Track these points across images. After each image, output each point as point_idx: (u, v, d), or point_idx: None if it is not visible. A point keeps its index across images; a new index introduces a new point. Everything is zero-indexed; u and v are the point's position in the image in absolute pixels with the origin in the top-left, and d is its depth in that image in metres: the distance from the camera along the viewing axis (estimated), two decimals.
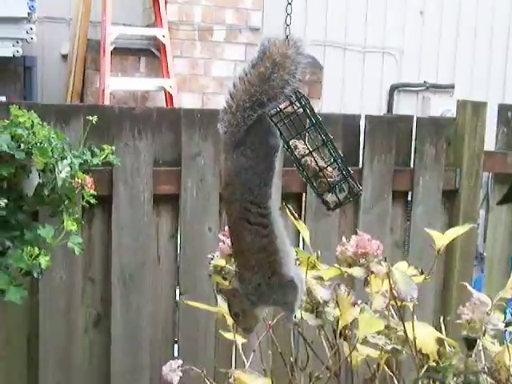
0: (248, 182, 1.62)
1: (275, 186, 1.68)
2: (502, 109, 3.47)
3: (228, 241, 2.08)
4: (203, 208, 2.93)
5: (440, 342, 2.04)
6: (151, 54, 5.95)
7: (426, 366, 2.01)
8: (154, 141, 2.85)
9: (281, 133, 1.70)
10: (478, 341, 2.02)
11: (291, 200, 2.98)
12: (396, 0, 7.00)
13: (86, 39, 5.83)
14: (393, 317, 2.08)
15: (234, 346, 2.21)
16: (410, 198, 3.33)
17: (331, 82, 6.58)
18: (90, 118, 2.60)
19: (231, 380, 2.02)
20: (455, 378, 2.01)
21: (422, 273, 2.14)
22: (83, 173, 2.49)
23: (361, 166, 3.14)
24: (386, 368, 2.12)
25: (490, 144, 3.45)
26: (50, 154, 2.34)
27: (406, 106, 7.01)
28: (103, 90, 5.53)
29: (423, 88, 7.06)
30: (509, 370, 1.98)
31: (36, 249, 2.27)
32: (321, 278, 2.12)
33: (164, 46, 5.78)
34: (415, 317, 2.01)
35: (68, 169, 2.40)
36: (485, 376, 2.00)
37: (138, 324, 2.89)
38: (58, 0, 6.13)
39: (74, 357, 2.83)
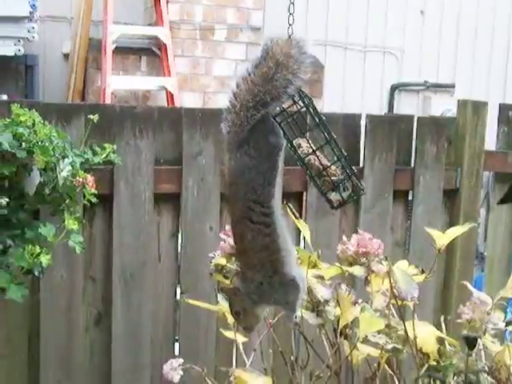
0: (251, 182, 1.63)
1: (278, 186, 1.69)
2: (503, 108, 3.47)
3: (229, 240, 2.08)
4: (204, 207, 2.94)
5: (440, 341, 2.04)
6: (152, 53, 5.95)
7: (426, 365, 2.02)
8: (155, 140, 2.85)
9: (284, 132, 1.70)
10: (479, 340, 2.02)
11: (292, 199, 2.98)
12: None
13: (87, 38, 5.84)
14: (393, 316, 2.09)
15: (235, 345, 2.21)
16: (410, 198, 3.33)
17: (332, 81, 6.58)
18: (92, 116, 2.60)
19: (232, 379, 2.02)
20: (456, 377, 2.02)
21: (422, 272, 2.15)
22: (84, 172, 2.49)
23: (361, 165, 3.14)
24: (386, 367, 2.12)
25: (490, 143, 3.45)
26: (52, 152, 2.34)
27: (406, 105, 7.02)
28: (104, 89, 5.53)
29: (424, 87, 7.07)
30: (509, 370, 1.98)
31: (37, 247, 2.27)
32: (321, 277, 2.12)
33: (165, 45, 5.78)
34: (416, 316, 2.01)
35: (69, 168, 2.41)
36: (485, 375, 2.01)
37: (139, 323, 2.89)
38: None
39: (74, 355, 2.84)
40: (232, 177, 1.66)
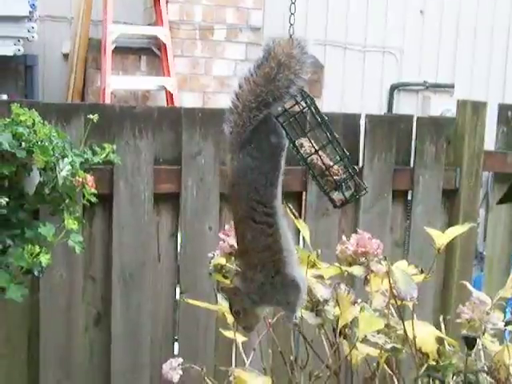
0: (254, 182, 1.63)
1: (280, 186, 1.69)
2: (502, 108, 3.47)
3: (228, 239, 2.08)
4: (203, 207, 2.94)
5: (440, 341, 2.04)
6: (152, 53, 5.95)
7: (425, 365, 2.02)
8: (155, 140, 2.85)
9: (286, 132, 1.70)
10: (478, 340, 2.02)
11: (291, 199, 2.98)
12: None
13: (87, 38, 5.83)
14: (393, 316, 2.09)
15: (234, 345, 2.21)
16: (410, 198, 3.33)
17: (331, 81, 6.58)
18: (91, 116, 2.61)
19: (231, 378, 2.02)
20: (455, 377, 2.02)
21: (421, 272, 2.15)
22: (84, 171, 2.49)
23: (361, 165, 3.14)
24: (385, 367, 2.12)
25: (489, 143, 3.45)
26: (51, 152, 2.34)
27: (406, 105, 7.01)
28: (104, 89, 5.53)
29: (423, 87, 7.07)
30: (508, 369, 1.98)
31: (37, 247, 2.27)
32: (321, 277, 2.12)
33: (165, 45, 5.78)
34: (415, 316, 2.02)
35: (69, 167, 2.41)
36: (484, 375, 2.01)
37: (139, 322, 2.89)
38: None
39: (74, 355, 2.84)
40: (234, 177, 1.66)
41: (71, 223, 2.36)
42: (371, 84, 6.97)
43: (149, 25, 6.08)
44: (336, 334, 2.07)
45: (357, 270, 2.06)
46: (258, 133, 1.64)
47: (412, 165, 3.27)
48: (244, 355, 2.20)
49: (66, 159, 2.41)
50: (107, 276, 2.86)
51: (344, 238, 2.13)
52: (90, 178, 2.49)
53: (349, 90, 6.87)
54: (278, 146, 1.66)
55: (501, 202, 3.34)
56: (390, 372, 2.15)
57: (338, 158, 1.76)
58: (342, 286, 2.03)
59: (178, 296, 2.97)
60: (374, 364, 2.12)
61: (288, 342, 2.27)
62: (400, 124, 3.24)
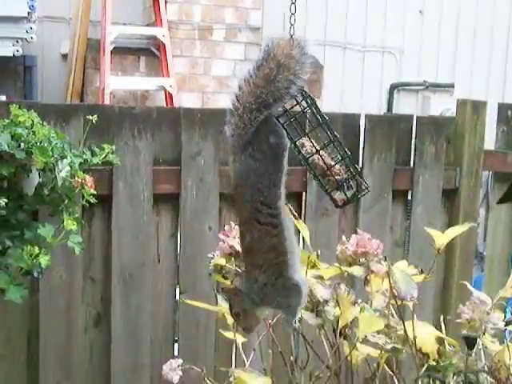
0: (257, 184, 1.63)
1: (284, 187, 1.69)
2: (502, 108, 3.47)
3: (228, 240, 2.08)
4: (203, 207, 2.93)
5: (440, 341, 2.04)
6: (151, 54, 5.95)
7: (426, 365, 2.02)
8: (154, 140, 2.85)
9: (287, 133, 1.70)
10: (478, 340, 2.02)
11: (291, 199, 2.97)
12: None
13: (85, 38, 5.83)
14: (393, 316, 2.09)
15: (234, 345, 2.21)
16: (409, 197, 3.33)
17: (331, 81, 6.58)
18: (90, 117, 2.60)
19: (231, 379, 2.02)
20: (455, 377, 2.01)
21: (421, 272, 2.15)
22: (83, 172, 2.48)
23: (361, 165, 3.14)
24: (386, 367, 2.12)
25: (489, 143, 3.45)
26: (50, 153, 2.34)
27: (405, 105, 7.01)
28: (103, 90, 5.53)
29: (423, 87, 7.06)
30: (509, 369, 1.98)
31: (36, 248, 2.27)
32: (321, 277, 2.12)
33: (164, 45, 5.77)
34: (415, 316, 2.01)
35: (68, 168, 2.40)
36: (485, 375, 2.00)
37: (138, 323, 2.89)
38: None
39: (74, 356, 2.83)
40: (238, 179, 1.66)
41: (70, 224, 2.36)
42: (371, 84, 6.96)
43: (148, 25, 6.08)
44: (336, 335, 2.06)
45: (357, 271, 2.06)
46: (259, 134, 1.64)
47: (412, 165, 3.27)
48: (244, 356, 2.19)
49: (65, 160, 2.40)
50: (107, 277, 2.85)
51: (344, 238, 2.13)
52: (89, 178, 2.49)
53: (348, 90, 6.86)
54: (280, 147, 1.66)
55: (501, 201, 3.34)
56: (391, 372, 2.14)
57: (339, 157, 1.76)
58: (342, 287, 2.03)
59: (177, 296, 2.97)
60: (375, 364, 2.12)
61: (288, 342, 2.27)
62: (400, 124, 3.24)
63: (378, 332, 2.01)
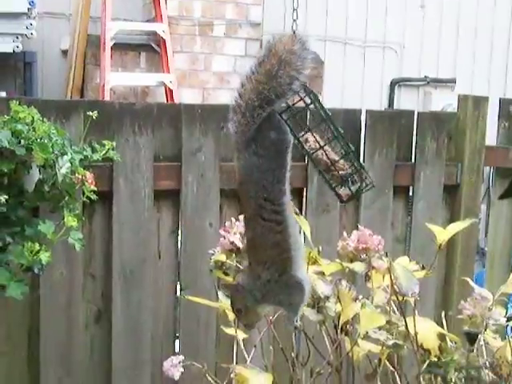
0: (261, 180, 1.63)
1: (288, 183, 1.69)
2: (504, 103, 3.46)
3: (229, 236, 2.08)
4: (204, 203, 2.93)
5: (441, 337, 2.04)
6: (151, 49, 5.94)
7: (427, 362, 2.01)
8: (155, 136, 2.84)
9: (291, 129, 1.70)
10: (480, 336, 2.02)
11: (292, 195, 2.96)
12: None
13: (86, 34, 5.82)
14: (394, 312, 2.08)
15: (235, 342, 2.21)
16: (411, 193, 3.32)
17: (332, 76, 6.57)
18: (91, 113, 2.59)
19: (232, 375, 2.02)
20: (457, 373, 2.01)
21: (423, 268, 2.14)
22: (84, 168, 2.48)
23: (362, 160, 3.13)
24: (387, 363, 2.12)
25: (491, 138, 3.44)
26: (51, 149, 2.33)
27: (406, 100, 7.01)
28: (103, 86, 5.53)
29: (424, 83, 7.06)
30: (510, 365, 1.98)
31: (36, 245, 2.27)
32: (322, 273, 2.12)
33: (164, 41, 5.77)
34: (416, 312, 2.01)
35: (68, 164, 2.40)
36: (486, 371, 2.00)
37: (139, 320, 2.88)
38: None
39: (74, 353, 2.83)
40: (242, 176, 1.66)
41: (71, 220, 2.36)
42: (372, 79, 6.96)
43: (148, 21, 6.08)
44: (337, 331, 2.06)
45: (358, 267, 2.06)
46: (262, 131, 1.64)
47: (413, 160, 3.26)
48: (245, 352, 2.19)
49: (65, 156, 2.40)
50: (107, 273, 2.85)
51: (345, 234, 2.13)
52: (89, 175, 2.49)
53: (349, 86, 6.86)
54: (283, 143, 1.66)
55: (502, 197, 3.34)
56: (392, 368, 2.14)
57: (342, 152, 1.76)
58: (343, 283, 2.03)
59: (178, 293, 2.97)
60: (376, 360, 2.12)
61: (289, 338, 2.27)
62: (401, 119, 3.23)
63: (380, 328, 2.00)
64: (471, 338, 2.01)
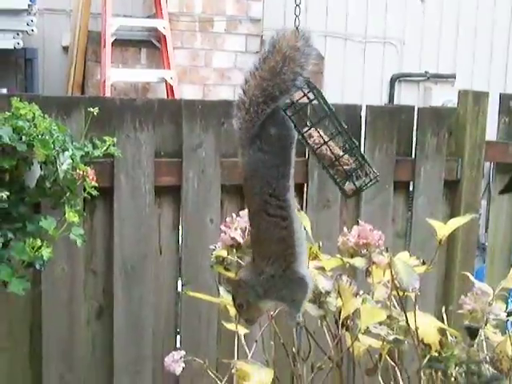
0: (266, 176, 1.64)
1: (293, 179, 1.69)
2: (504, 98, 3.46)
3: (229, 232, 2.08)
4: (204, 199, 2.93)
5: (442, 332, 2.04)
6: (152, 46, 5.94)
7: (428, 356, 2.02)
8: (155, 132, 2.85)
9: (295, 124, 1.70)
10: (480, 331, 2.02)
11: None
12: None
13: (86, 31, 5.82)
14: (395, 307, 2.09)
15: (237, 337, 2.21)
16: (411, 189, 3.32)
17: (332, 72, 6.57)
18: (92, 109, 2.60)
19: (233, 371, 2.02)
20: (457, 368, 2.02)
21: (423, 263, 2.15)
22: (85, 165, 2.48)
23: None
24: (388, 358, 2.12)
25: (491, 134, 3.44)
26: (52, 146, 2.33)
27: (407, 96, 7.00)
28: (104, 82, 5.53)
29: (424, 78, 7.05)
30: (511, 360, 1.98)
31: (38, 241, 2.27)
32: (322, 269, 2.12)
33: (164, 37, 5.77)
34: (417, 307, 2.01)
35: (69, 161, 2.40)
36: (487, 366, 2.01)
37: (141, 315, 2.89)
38: None
39: (76, 349, 2.84)
40: (247, 172, 1.67)
41: (72, 216, 2.36)
42: (372, 75, 6.96)
43: (148, 17, 6.07)
44: (338, 326, 2.07)
45: (358, 262, 2.06)
46: (266, 127, 1.65)
47: (413, 156, 3.26)
48: (246, 347, 2.20)
49: (66, 152, 2.40)
50: (109, 269, 2.86)
51: (345, 229, 2.13)
52: (90, 171, 2.49)
53: (349, 82, 6.86)
54: (288, 139, 1.67)
55: (502, 192, 3.34)
56: (393, 363, 2.15)
57: (346, 147, 1.76)
58: (344, 278, 2.03)
59: (179, 288, 2.97)
60: (377, 355, 2.12)
61: (290, 333, 2.27)
62: (401, 115, 3.24)
63: (380, 323, 2.01)
64: (472, 333, 2.02)
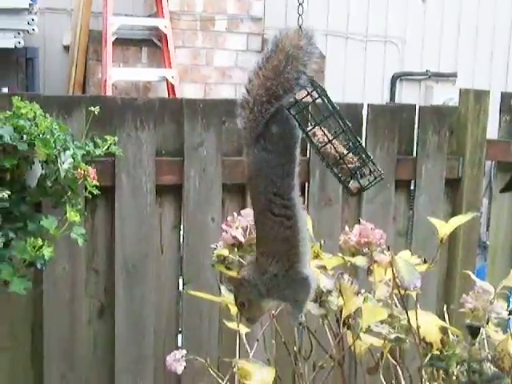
0: (270, 175, 1.64)
1: (297, 178, 1.69)
2: (505, 97, 3.46)
3: (231, 231, 2.08)
4: (206, 198, 2.93)
5: (443, 330, 2.04)
6: (153, 45, 5.94)
7: (429, 355, 2.02)
8: (157, 131, 2.85)
9: (299, 123, 1.70)
10: (482, 329, 2.02)
11: None
12: None
13: (87, 30, 5.82)
14: (396, 306, 2.09)
15: (238, 336, 2.21)
16: (412, 187, 3.32)
17: (333, 71, 6.56)
18: (93, 108, 2.60)
19: (235, 370, 2.02)
20: (459, 367, 2.02)
21: (425, 261, 2.14)
22: (86, 164, 2.48)
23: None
24: (389, 357, 2.12)
25: (492, 132, 3.44)
26: (53, 145, 2.33)
27: (408, 94, 7.00)
28: (105, 81, 5.53)
29: (425, 77, 7.05)
30: None
31: (39, 240, 2.27)
32: (324, 267, 2.12)
33: (166, 36, 5.77)
34: (418, 305, 2.01)
35: (71, 160, 2.40)
36: (488, 364, 2.00)
37: (142, 314, 2.89)
38: None
39: (78, 348, 2.84)
40: (251, 171, 1.67)
41: (73, 215, 2.36)
42: (373, 74, 6.95)
43: (149, 16, 6.07)
44: (340, 325, 2.07)
45: (360, 261, 2.06)
46: (271, 126, 1.65)
47: (415, 154, 3.26)
48: (248, 346, 2.20)
49: (67, 152, 2.40)
50: (110, 268, 2.86)
51: (347, 228, 2.13)
52: (91, 170, 2.49)
53: (351, 80, 6.85)
54: (292, 138, 1.67)
55: (504, 190, 3.34)
56: (394, 362, 2.15)
57: (350, 145, 1.76)
58: (346, 277, 2.03)
59: (181, 287, 2.97)
60: (378, 354, 2.12)
61: (291, 332, 2.27)
62: (402, 113, 3.23)
63: (382, 322, 2.01)
64: (473, 332, 2.01)
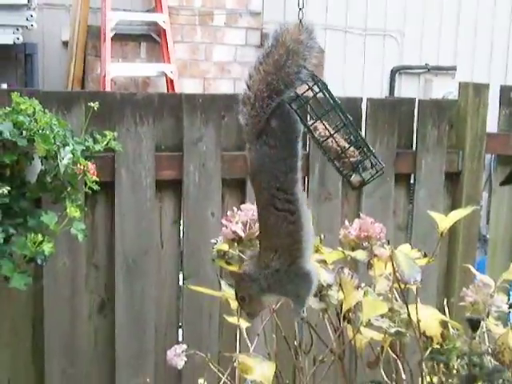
0: (273, 170, 1.64)
1: (300, 172, 1.69)
2: (504, 90, 3.46)
3: (231, 225, 2.08)
4: (205, 193, 2.93)
5: (444, 324, 2.04)
6: (152, 40, 5.93)
7: (429, 349, 2.02)
8: (156, 126, 2.85)
9: (300, 118, 1.70)
10: (482, 323, 2.02)
11: None
12: None
13: (86, 25, 5.82)
14: (396, 300, 2.09)
15: (238, 331, 2.21)
16: (412, 181, 3.32)
17: (332, 65, 6.56)
18: (92, 104, 2.60)
19: (236, 364, 2.02)
20: (459, 360, 2.02)
21: (425, 255, 2.14)
22: (85, 159, 2.48)
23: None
24: (389, 351, 2.12)
25: (492, 126, 3.44)
26: (52, 140, 2.34)
27: (407, 88, 7.00)
28: (104, 76, 5.52)
29: (425, 70, 7.05)
30: None
31: (39, 235, 2.27)
32: (324, 262, 2.12)
33: (164, 31, 5.76)
34: (419, 299, 2.01)
35: (70, 155, 2.40)
36: (489, 358, 2.01)
37: (142, 309, 2.89)
38: None
39: (78, 343, 2.84)
40: (254, 167, 1.67)
41: (73, 211, 2.36)
42: (372, 68, 6.95)
43: (148, 11, 6.06)
44: (340, 319, 2.07)
45: (360, 255, 2.06)
46: (272, 121, 1.64)
47: (414, 148, 3.26)
48: (248, 341, 2.20)
49: (67, 147, 2.40)
50: (110, 263, 2.86)
51: (347, 222, 2.13)
52: (91, 165, 2.49)
53: (350, 74, 6.85)
54: (294, 132, 1.66)
55: (503, 183, 3.34)
56: (395, 356, 2.15)
57: (352, 139, 1.76)
58: (346, 271, 2.03)
59: (181, 282, 2.98)
60: (378, 348, 2.12)
61: (292, 327, 2.27)
62: (402, 107, 3.23)
63: (382, 316, 2.01)
64: (473, 325, 2.01)
